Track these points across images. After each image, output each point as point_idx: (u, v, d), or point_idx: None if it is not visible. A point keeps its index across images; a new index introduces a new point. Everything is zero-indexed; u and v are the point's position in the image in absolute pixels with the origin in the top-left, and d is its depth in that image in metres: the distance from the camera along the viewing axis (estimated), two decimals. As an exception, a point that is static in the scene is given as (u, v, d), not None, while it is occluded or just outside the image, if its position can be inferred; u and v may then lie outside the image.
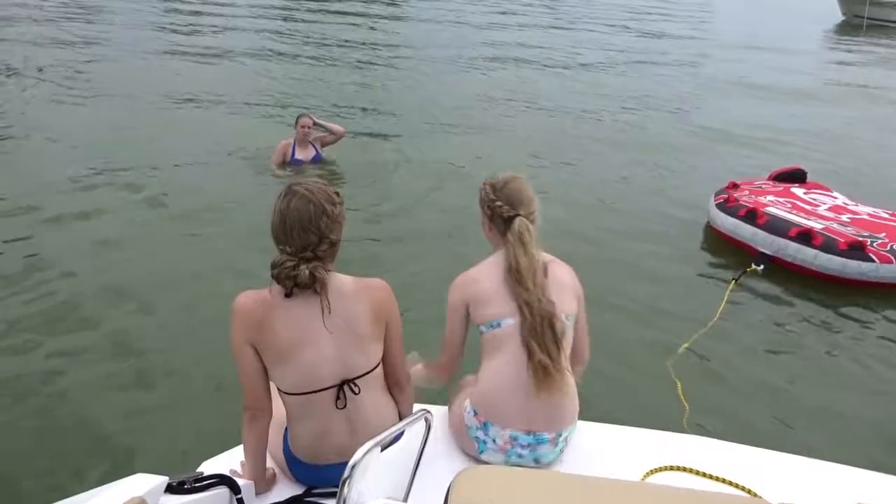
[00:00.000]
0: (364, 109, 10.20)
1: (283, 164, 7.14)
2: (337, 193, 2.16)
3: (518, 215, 2.40)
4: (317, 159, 7.23)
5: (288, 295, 2.05)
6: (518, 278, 2.33)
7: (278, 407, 2.21)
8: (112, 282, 5.01)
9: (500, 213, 2.41)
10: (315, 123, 7.18)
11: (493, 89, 11.91)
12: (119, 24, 15.36)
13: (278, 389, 2.15)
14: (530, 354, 2.30)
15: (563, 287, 2.41)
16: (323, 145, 7.31)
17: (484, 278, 2.41)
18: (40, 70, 11.25)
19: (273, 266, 2.05)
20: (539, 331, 2.29)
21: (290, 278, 2.03)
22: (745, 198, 6.34)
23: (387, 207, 6.70)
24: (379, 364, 2.19)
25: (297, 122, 7.16)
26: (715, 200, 6.47)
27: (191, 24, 16.91)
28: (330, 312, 2.06)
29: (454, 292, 2.44)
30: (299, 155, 7.17)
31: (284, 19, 19.22)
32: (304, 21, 18.98)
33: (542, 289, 2.33)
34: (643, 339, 4.71)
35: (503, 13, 23.65)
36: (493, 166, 7.02)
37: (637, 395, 4.08)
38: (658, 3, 29.82)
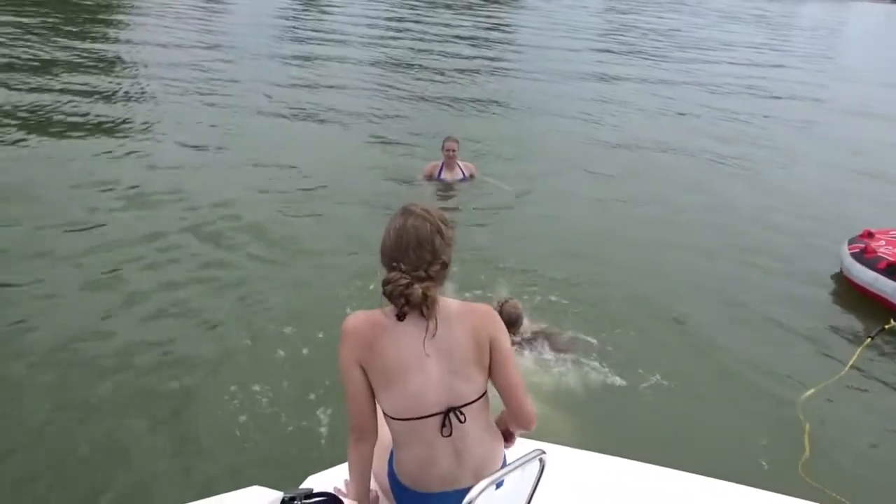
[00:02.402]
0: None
1: (430, 179, 7.41)
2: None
3: None
4: (464, 181, 7.40)
5: (400, 317, 2.03)
6: None
7: (384, 430, 2.17)
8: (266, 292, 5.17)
9: None
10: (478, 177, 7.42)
11: (626, 135, 11.37)
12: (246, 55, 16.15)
13: (384, 413, 2.12)
14: None
15: None
16: (472, 174, 7.46)
17: None
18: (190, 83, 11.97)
19: (386, 283, 2.02)
20: None
21: (402, 296, 2.00)
22: (882, 248, 5.90)
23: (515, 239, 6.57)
24: (485, 393, 2.12)
25: (443, 146, 7.36)
26: (850, 249, 6.07)
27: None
28: (435, 336, 2.04)
29: None
30: (446, 175, 7.39)
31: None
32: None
33: None
34: (767, 387, 4.59)
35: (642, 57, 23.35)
36: (619, 209, 7.37)
37: (754, 435, 4.03)
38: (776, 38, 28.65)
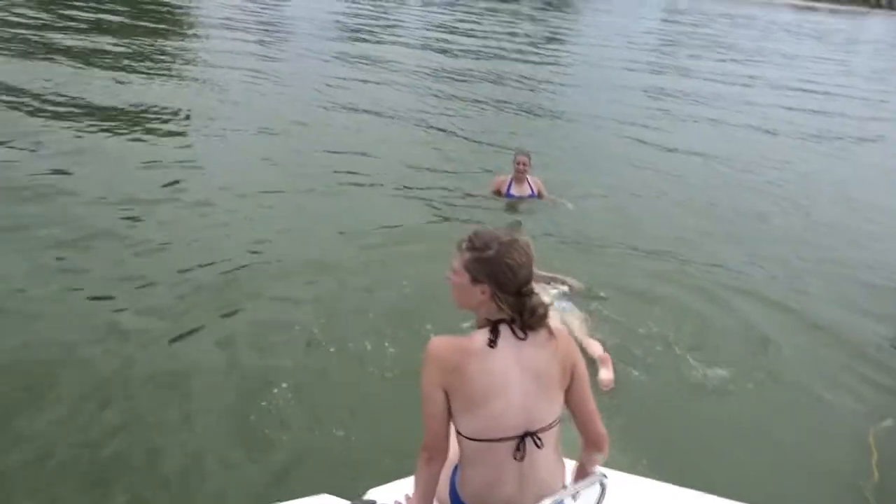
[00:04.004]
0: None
1: (499, 194, 7.38)
2: None
3: None
4: (532, 196, 7.35)
5: (492, 345, 2.07)
6: None
7: (451, 446, 2.20)
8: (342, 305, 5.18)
9: None
10: (542, 194, 7.39)
11: (691, 151, 11.19)
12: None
13: (457, 432, 2.14)
14: None
15: None
16: (539, 191, 7.42)
17: None
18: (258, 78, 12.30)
19: (539, 305, 2.08)
20: None
21: (543, 317, 2.09)
22: None
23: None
24: (559, 418, 2.18)
25: (515, 159, 7.32)
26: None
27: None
28: (527, 359, 2.09)
29: None
30: (514, 190, 7.35)
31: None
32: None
33: None
34: (844, 408, 4.55)
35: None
36: (685, 238, 7.17)
37: (825, 455, 4.06)
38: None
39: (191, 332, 4.60)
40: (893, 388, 4.79)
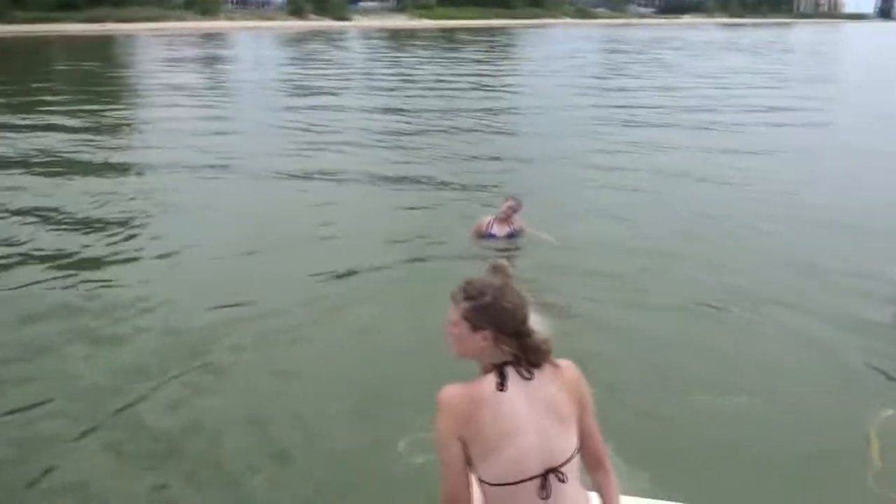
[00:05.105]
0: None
1: (480, 237, 7.39)
2: None
3: None
4: (511, 235, 7.34)
5: (501, 388, 2.07)
6: None
7: (475, 495, 2.16)
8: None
9: None
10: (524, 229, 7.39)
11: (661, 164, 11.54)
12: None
13: (478, 480, 2.12)
14: None
15: None
16: (520, 226, 7.40)
17: None
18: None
19: (543, 342, 2.11)
20: None
21: (546, 353, 2.12)
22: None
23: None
24: (577, 448, 2.16)
25: (505, 202, 7.38)
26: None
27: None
28: (537, 396, 2.10)
29: None
30: (496, 230, 7.35)
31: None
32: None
33: None
34: (844, 409, 4.52)
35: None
36: (668, 249, 7.32)
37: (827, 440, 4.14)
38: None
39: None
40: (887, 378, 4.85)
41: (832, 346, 5.33)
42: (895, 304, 5.97)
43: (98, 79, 25.46)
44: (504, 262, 5.39)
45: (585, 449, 2.20)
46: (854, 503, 3.63)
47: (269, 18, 79.97)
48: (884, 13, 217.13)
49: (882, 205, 9.37)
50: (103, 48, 42.91)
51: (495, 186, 9.95)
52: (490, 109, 18.24)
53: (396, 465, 3.84)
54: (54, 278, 6.60)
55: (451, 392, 2.08)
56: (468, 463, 2.09)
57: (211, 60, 34.79)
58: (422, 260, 7.14)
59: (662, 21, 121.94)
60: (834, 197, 9.86)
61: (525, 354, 2.09)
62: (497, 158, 12.40)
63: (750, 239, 7.92)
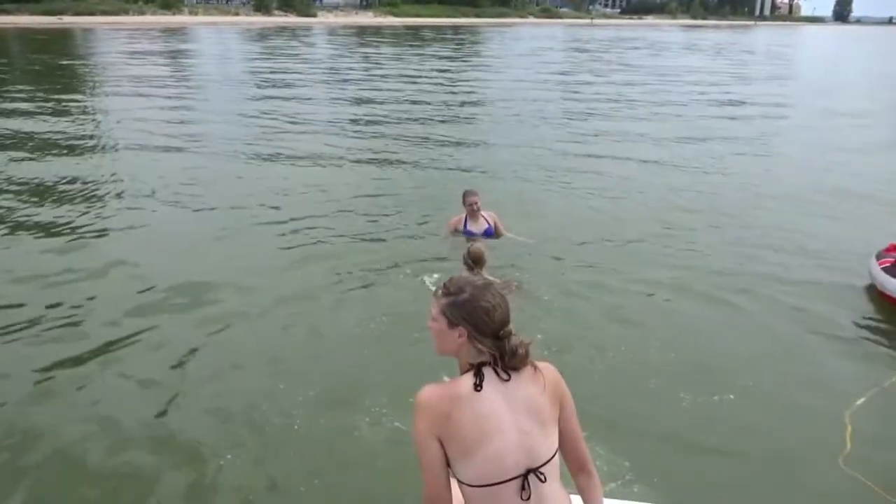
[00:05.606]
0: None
1: (456, 233, 7.28)
2: None
3: None
4: (489, 232, 7.22)
5: (477, 388, 2.06)
6: None
7: (456, 497, 2.15)
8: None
9: None
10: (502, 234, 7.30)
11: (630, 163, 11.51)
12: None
13: (458, 482, 2.10)
14: None
15: None
16: (496, 226, 7.29)
17: None
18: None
19: (520, 345, 2.09)
20: None
21: (524, 357, 2.09)
22: (914, 260, 5.84)
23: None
24: (558, 450, 2.14)
25: (464, 200, 7.21)
26: (880, 264, 6.03)
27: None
28: (515, 397, 2.09)
29: None
30: (471, 227, 7.23)
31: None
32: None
33: None
34: (811, 405, 4.53)
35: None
36: (641, 240, 7.39)
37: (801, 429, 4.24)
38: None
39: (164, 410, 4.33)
40: (848, 377, 4.87)
41: (809, 335, 5.37)
42: (864, 292, 6.13)
43: (60, 70, 25.00)
44: (481, 245, 5.43)
45: (568, 451, 2.18)
46: (825, 486, 3.71)
47: (233, 13, 79.24)
48: (839, 16, 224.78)
49: (831, 188, 9.88)
50: (62, 41, 42.03)
51: (466, 171, 10.11)
52: (454, 102, 18.39)
53: (364, 449, 3.84)
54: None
55: (429, 392, 2.08)
56: (448, 465, 2.08)
57: (175, 54, 34.42)
58: (390, 245, 7.10)
59: (626, 21, 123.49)
60: (793, 186, 10.11)
61: (502, 356, 2.08)
62: (461, 144, 12.57)
63: (722, 228, 7.98)
